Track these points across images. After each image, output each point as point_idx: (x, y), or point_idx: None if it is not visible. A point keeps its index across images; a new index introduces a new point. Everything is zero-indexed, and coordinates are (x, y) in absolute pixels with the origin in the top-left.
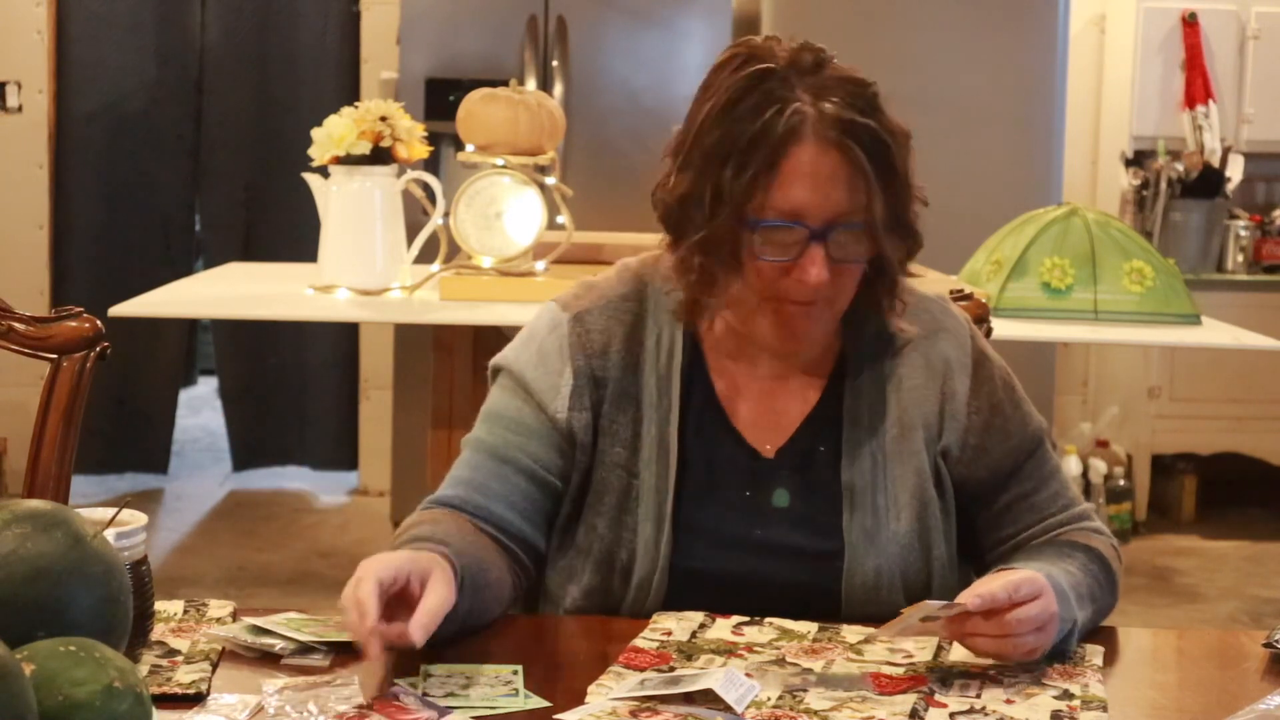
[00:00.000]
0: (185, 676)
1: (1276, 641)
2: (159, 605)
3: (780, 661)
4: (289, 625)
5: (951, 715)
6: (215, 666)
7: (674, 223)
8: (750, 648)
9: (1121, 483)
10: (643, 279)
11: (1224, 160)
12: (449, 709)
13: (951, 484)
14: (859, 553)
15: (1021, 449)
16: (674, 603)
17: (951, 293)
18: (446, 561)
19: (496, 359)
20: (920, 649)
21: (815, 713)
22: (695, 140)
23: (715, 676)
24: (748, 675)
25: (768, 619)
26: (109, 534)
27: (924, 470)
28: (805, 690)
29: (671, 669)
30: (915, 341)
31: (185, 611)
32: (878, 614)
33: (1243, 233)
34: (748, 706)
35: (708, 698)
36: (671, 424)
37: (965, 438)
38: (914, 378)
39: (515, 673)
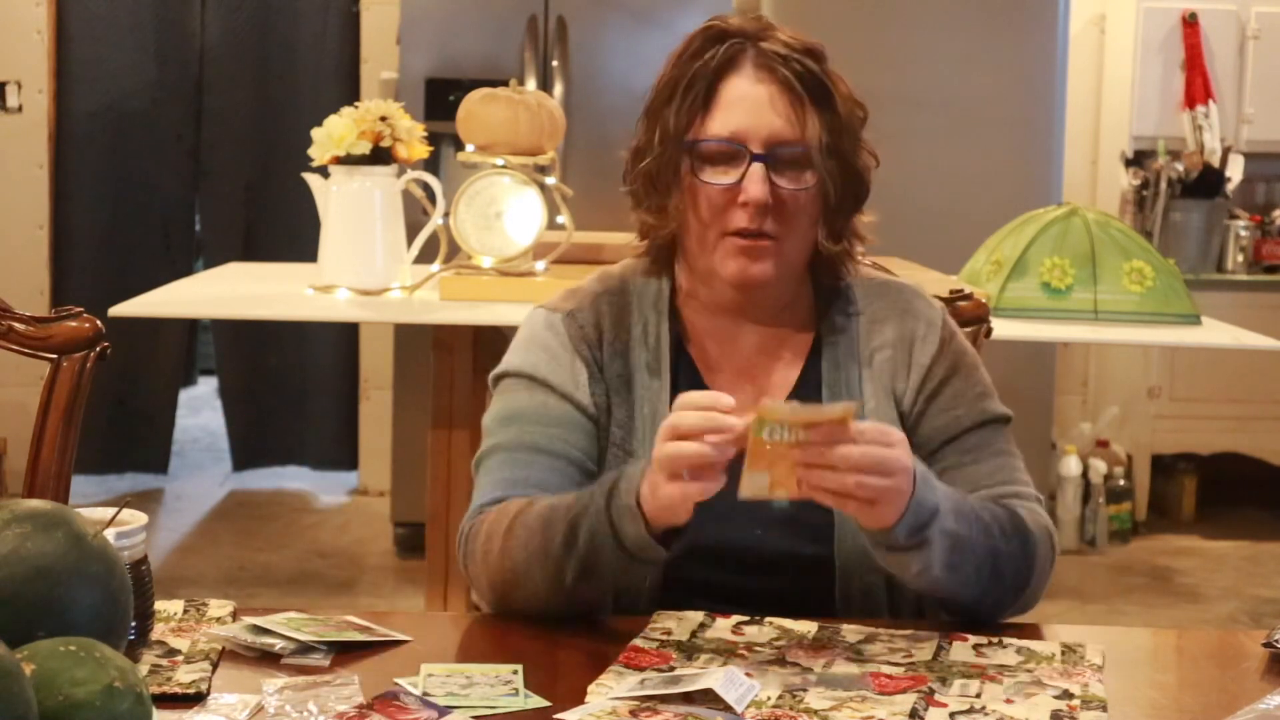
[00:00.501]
0: (185, 676)
1: (1276, 641)
2: (159, 605)
3: (780, 661)
4: (289, 625)
5: (951, 715)
6: (215, 666)
7: (634, 186)
8: (750, 647)
9: (1121, 483)
10: (623, 279)
11: (1224, 160)
12: (449, 709)
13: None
14: (847, 521)
15: (965, 419)
16: (671, 573)
17: (951, 292)
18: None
19: (502, 367)
20: (920, 649)
21: (815, 712)
22: (646, 104)
23: (715, 676)
24: (748, 675)
25: (768, 619)
26: (109, 534)
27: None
28: (805, 690)
29: (671, 669)
30: (888, 318)
31: (185, 611)
32: (873, 582)
33: (1243, 233)
34: (748, 706)
35: (708, 697)
36: (664, 401)
37: (915, 399)
38: (885, 349)
39: (515, 673)
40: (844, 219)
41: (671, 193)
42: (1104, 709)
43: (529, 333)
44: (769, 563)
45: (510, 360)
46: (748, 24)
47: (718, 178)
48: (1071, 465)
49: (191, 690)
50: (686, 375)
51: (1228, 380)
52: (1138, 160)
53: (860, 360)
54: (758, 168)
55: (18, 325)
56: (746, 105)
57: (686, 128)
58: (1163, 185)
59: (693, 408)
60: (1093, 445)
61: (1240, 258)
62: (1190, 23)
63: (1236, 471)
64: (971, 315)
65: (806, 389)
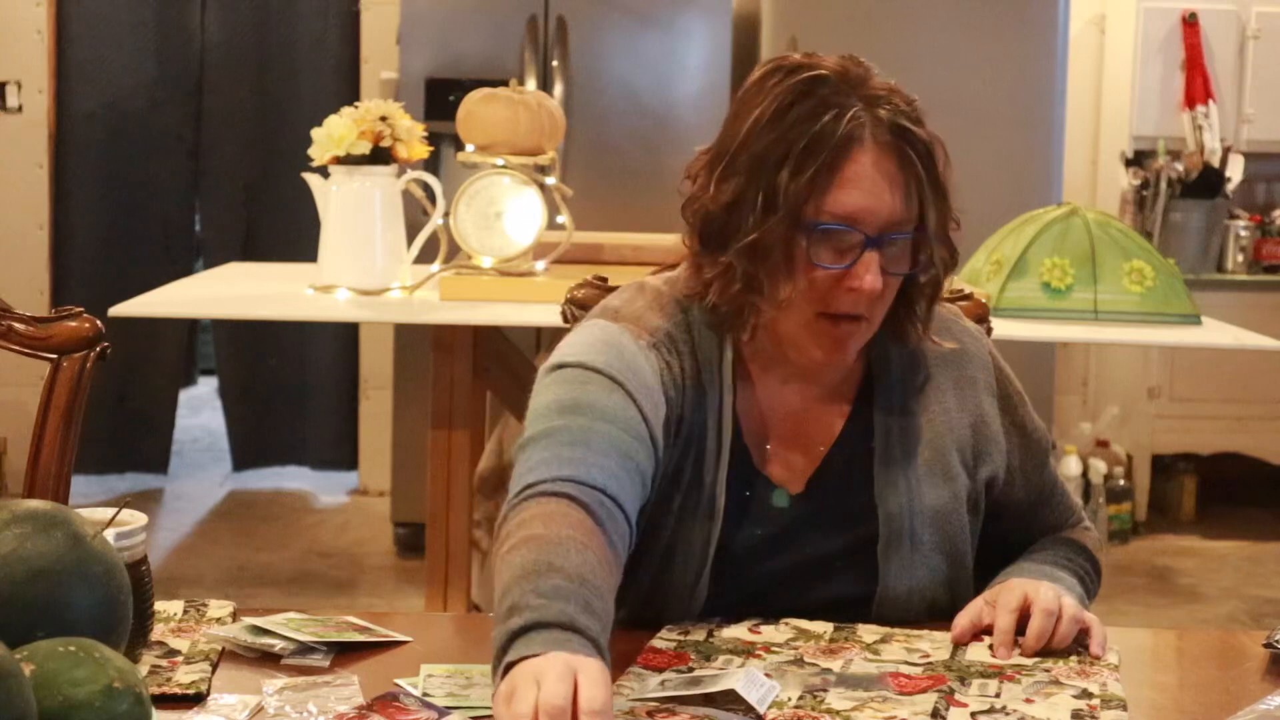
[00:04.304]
0: (185, 676)
1: (1276, 641)
2: (159, 605)
3: (798, 662)
4: (289, 625)
5: (973, 715)
6: (215, 666)
7: (715, 231)
8: (767, 647)
9: (1121, 483)
10: (682, 306)
11: (1224, 160)
12: (449, 709)
13: (992, 505)
14: (892, 575)
15: (1043, 461)
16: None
17: (951, 293)
18: (600, 659)
19: (574, 358)
20: (937, 649)
21: (837, 713)
22: (742, 147)
23: (736, 677)
24: (767, 675)
25: (783, 619)
26: (109, 534)
27: (960, 495)
28: (825, 690)
29: (690, 669)
30: (942, 363)
31: (185, 611)
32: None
33: (1243, 233)
34: (769, 707)
35: (729, 698)
36: (721, 471)
37: (1009, 461)
38: (944, 400)
39: None
40: (939, 289)
41: (776, 262)
42: (1124, 708)
43: (611, 340)
44: (807, 589)
45: (586, 356)
46: (856, 80)
47: (830, 259)
48: (1071, 465)
49: (191, 690)
50: (738, 450)
51: (1228, 380)
52: (1138, 160)
53: (915, 407)
54: (872, 255)
55: (18, 325)
56: (867, 186)
57: (803, 203)
58: (1163, 185)
59: (564, 699)
60: (1093, 445)
61: (1240, 258)
62: (1190, 23)
63: (1236, 471)
64: (971, 315)
65: (852, 441)
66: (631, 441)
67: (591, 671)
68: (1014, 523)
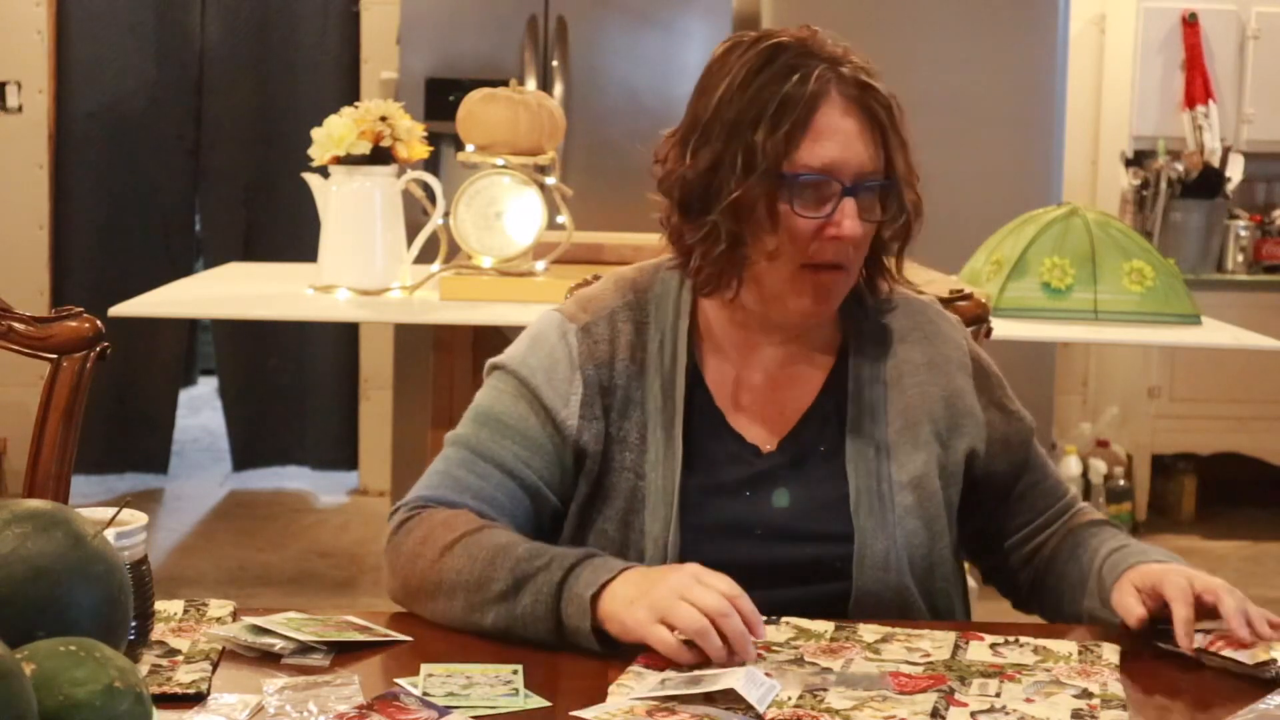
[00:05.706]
0: (185, 676)
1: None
2: (159, 605)
3: (799, 661)
4: (289, 625)
5: (973, 714)
6: (215, 666)
7: (697, 197)
8: (768, 647)
9: (1121, 483)
10: (640, 287)
11: (1224, 160)
12: (449, 709)
13: (975, 480)
14: (868, 537)
15: (1027, 440)
16: None
17: (951, 292)
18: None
19: (500, 359)
20: (937, 648)
21: (837, 712)
22: (714, 115)
23: (736, 676)
24: (767, 675)
25: (784, 618)
26: (109, 534)
27: (930, 462)
28: (825, 690)
29: (692, 668)
30: (915, 339)
31: (185, 611)
32: (891, 599)
33: (1243, 233)
34: (769, 706)
35: (729, 697)
36: (676, 425)
37: (990, 433)
38: (917, 373)
39: (515, 673)
40: (908, 239)
41: (759, 218)
42: (1124, 708)
43: (539, 333)
44: (784, 541)
45: (511, 355)
46: (815, 44)
47: (810, 210)
48: (1071, 465)
49: (191, 690)
50: (700, 397)
51: (1228, 380)
52: (1138, 160)
53: (887, 375)
54: (850, 202)
55: (18, 325)
56: (839, 138)
57: (782, 158)
58: (1163, 185)
59: (721, 593)
60: (1093, 445)
61: (1240, 258)
62: (1190, 23)
63: (1236, 471)
64: (971, 315)
65: (825, 407)
66: (521, 450)
67: (691, 569)
68: (1003, 497)
